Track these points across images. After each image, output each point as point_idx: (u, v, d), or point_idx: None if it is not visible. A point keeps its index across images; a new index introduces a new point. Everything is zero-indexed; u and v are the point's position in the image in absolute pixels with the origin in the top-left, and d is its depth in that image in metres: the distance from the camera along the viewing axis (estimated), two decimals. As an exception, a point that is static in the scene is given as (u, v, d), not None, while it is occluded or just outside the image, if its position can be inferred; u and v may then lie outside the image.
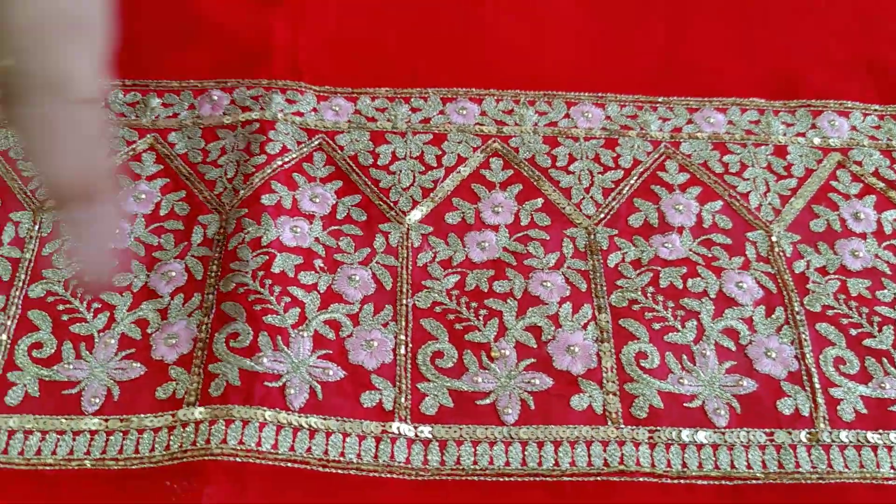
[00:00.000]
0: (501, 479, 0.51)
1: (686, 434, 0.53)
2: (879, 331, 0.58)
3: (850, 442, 0.54)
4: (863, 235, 0.63)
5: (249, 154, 0.64)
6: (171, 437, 0.52)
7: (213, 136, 0.66)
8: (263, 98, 0.67)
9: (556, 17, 0.75)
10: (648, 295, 0.59)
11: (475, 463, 0.52)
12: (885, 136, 0.69)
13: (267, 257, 0.58)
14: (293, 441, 0.52)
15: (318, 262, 0.59)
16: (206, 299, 0.57)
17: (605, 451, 0.53)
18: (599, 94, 0.70)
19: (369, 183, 0.64)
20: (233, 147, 0.65)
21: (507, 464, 0.52)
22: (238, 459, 0.50)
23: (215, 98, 0.68)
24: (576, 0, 0.76)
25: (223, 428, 0.51)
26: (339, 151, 0.66)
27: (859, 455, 0.53)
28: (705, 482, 0.52)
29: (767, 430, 0.54)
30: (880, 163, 0.67)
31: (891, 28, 0.77)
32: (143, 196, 0.63)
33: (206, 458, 0.50)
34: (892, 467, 0.53)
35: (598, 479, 0.52)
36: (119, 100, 0.68)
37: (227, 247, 0.59)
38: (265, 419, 0.52)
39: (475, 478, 0.51)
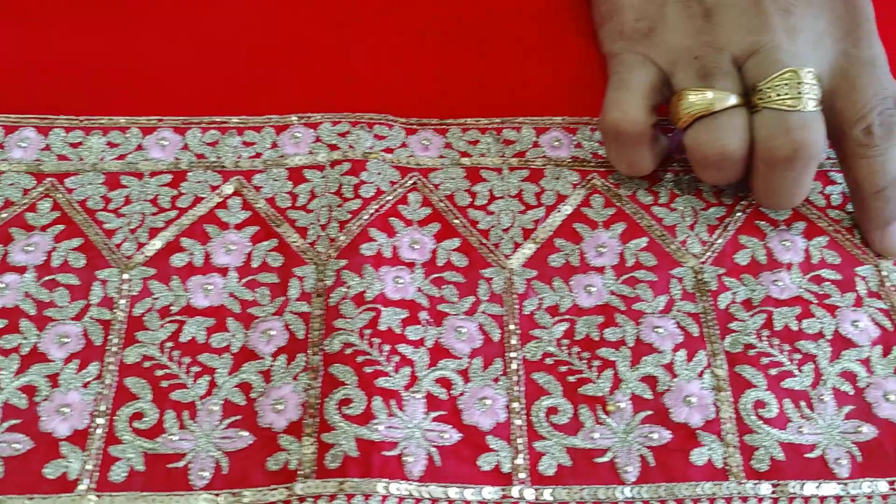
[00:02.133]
0: None
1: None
2: None
3: None
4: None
5: (342, 198, 0.61)
6: None
7: (301, 178, 0.63)
8: (350, 135, 0.64)
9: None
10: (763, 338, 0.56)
11: None
12: None
13: (373, 314, 0.56)
14: (416, 513, 0.50)
15: (424, 315, 0.57)
16: (311, 360, 0.55)
17: None
18: None
19: (469, 228, 0.61)
20: (323, 191, 0.62)
21: None
22: (364, 537, 0.48)
23: (298, 135, 0.65)
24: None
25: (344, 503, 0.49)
26: (435, 191, 0.63)
27: None
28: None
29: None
30: None
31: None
32: (234, 247, 0.60)
33: (331, 536, 0.48)
34: None
35: None
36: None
37: (329, 302, 0.57)
38: (387, 492, 0.50)
39: None
